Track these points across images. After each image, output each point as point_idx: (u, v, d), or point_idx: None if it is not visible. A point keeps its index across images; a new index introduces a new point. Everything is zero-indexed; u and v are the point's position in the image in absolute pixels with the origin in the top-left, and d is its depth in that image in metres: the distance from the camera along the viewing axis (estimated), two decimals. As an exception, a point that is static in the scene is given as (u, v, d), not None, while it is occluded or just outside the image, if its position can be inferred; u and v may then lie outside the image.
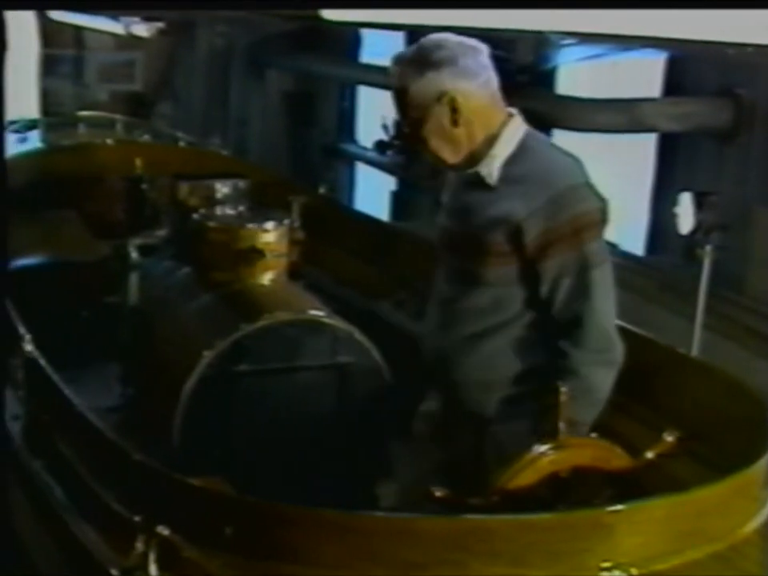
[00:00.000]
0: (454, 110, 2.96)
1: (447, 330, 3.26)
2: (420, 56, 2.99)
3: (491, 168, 3.05)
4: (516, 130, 3.06)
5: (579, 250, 2.95)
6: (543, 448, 2.83)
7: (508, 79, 7.29)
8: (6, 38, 5.82)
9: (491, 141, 3.05)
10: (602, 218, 3.03)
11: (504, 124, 3.05)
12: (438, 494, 2.80)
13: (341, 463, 4.58)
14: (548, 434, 2.82)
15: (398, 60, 3.08)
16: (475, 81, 2.98)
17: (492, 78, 3.04)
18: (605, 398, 3.09)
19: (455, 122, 2.98)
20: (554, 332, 3.07)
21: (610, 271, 3.02)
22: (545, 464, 2.83)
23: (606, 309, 2.99)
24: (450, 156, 3.06)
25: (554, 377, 2.94)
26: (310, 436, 4.53)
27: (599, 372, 3.04)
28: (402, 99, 3.02)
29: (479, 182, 3.09)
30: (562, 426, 2.79)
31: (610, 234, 3.28)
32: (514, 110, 3.12)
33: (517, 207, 2.96)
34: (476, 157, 3.08)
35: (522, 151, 3.04)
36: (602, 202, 3.04)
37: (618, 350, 3.05)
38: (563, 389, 2.80)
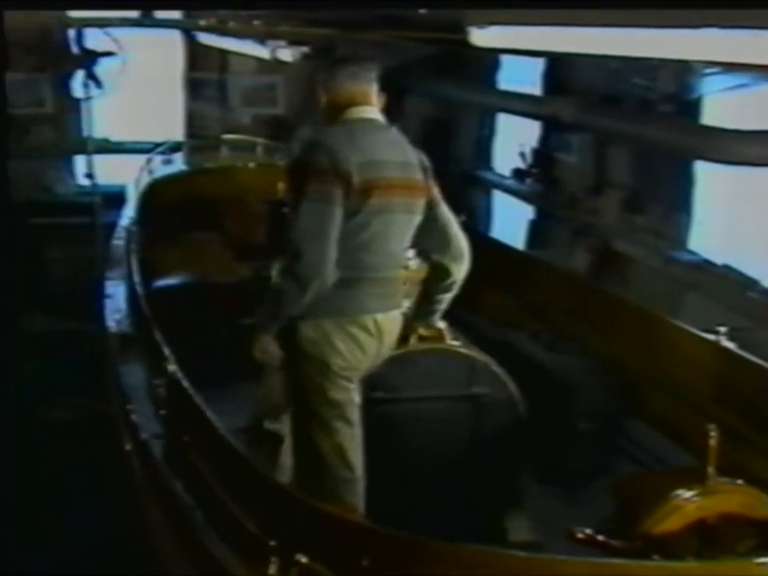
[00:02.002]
0: (323, 93, 4.17)
1: None
2: None
3: None
4: (348, 115, 4.09)
5: (300, 188, 3.87)
6: (690, 493, 2.74)
7: (648, 108, 7.15)
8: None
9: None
10: (319, 169, 3.85)
11: (349, 110, 4.10)
12: (579, 535, 2.73)
13: (471, 496, 4.54)
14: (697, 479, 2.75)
15: None
16: (334, 81, 4.13)
17: (354, 83, 4.11)
18: (286, 304, 3.90)
19: (321, 99, 4.19)
20: None
21: (323, 212, 3.83)
22: (692, 510, 2.75)
23: (303, 230, 3.81)
24: (321, 118, 4.23)
25: None
26: (442, 466, 4.49)
27: (283, 277, 3.87)
28: None
29: None
30: (711, 470, 2.71)
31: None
32: (372, 106, 4.14)
33: None
34: None
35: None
36: (328, 158, 3.85)
37: (305, 267, 3.80)
38: (713, 432, 2.72)
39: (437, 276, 4.39)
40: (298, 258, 3.81)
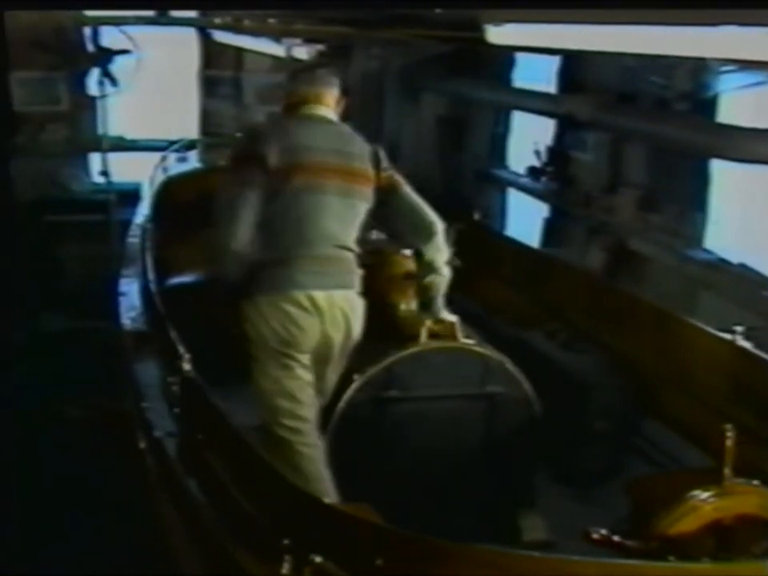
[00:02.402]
0: (283, 96, 4.52)
1: None
2: None
3: None
4: (296, 111, 4.41)
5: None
6: (706, 494, 2.72)
7: (664, 106, 7.12)
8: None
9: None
10: (238, 153, 4.31)
11: (300, 109, 4.41)
12: (595, 535, 2.72)
13: (485, 495, 4.53)
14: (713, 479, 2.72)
15: None
16: (290, 85, 4.49)
17: (308, 87, 4.42)
18: (219, 266, 4.29)
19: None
20: None
21: (235, 191, 4.17)
22: (708, 511, 2.73)
23: (217, 204, 4.20)
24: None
25: None
26: (457, 465, 4.49)
27: (209, 244, 4.31)
28: None
29: None
30: (727, 471, 2.69)
31: None
32: (323, 106, 4.42)
33: None
34: None
35: None
36: (248, 143, 4.29)
37: (219, 237, 4.17)
38: (729, 432, 2.70)
39: (417, 261, 4.52)
40: (215, 228, 4.19)
